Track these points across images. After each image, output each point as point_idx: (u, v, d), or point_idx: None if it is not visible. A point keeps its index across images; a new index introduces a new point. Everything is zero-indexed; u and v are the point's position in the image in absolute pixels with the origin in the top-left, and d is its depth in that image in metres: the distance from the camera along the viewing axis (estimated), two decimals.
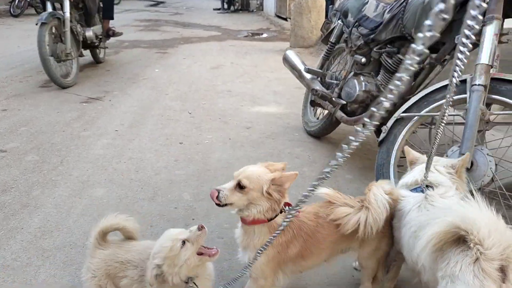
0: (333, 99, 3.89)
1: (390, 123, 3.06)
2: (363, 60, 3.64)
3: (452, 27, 3.05)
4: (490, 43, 2.60)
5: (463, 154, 2.53)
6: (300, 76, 4.44)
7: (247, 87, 6.89)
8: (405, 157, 3.22)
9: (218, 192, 1.92)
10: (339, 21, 4.20)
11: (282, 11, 15.65)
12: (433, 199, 1.99)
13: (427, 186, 2.06)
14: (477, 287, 1.50)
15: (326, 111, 4.30)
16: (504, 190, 2.69)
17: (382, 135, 3.09)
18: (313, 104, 4.45)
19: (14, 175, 3.69)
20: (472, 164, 2.59)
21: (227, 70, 8.15)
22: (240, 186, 1.92)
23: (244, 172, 1.95)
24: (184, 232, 1.89)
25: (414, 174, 2.18)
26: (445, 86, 2.89)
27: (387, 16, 3.53)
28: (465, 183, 2.17)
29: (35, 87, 6.53)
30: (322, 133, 4.57)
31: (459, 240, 1.62)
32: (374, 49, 3.60)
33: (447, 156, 2.85)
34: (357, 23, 3.78)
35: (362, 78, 3.62)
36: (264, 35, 12.91)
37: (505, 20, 2.83)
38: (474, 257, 1.53)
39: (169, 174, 3.80)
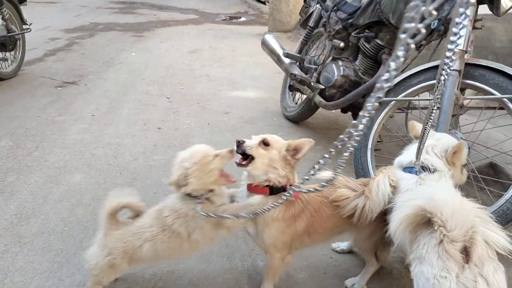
0: (312, 84, 3.91)
1: None
2: (342, 44, 3.66)
3: None
4: (465, 29, 2.65)
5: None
6: (278, 60, 4.44)
7: (225, 72, 6.85)
8: (381, 141, 3.31)
9: (243, 142, 1.94)
10: (318, 5, 4.20)
11: None
12: (423, 183, 2.00)
13: (422, 168, 2.04)
14: (440, 268, 1.55)
15: (304, 96, 4.32)
16: (476, 172, 2.77)
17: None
18: (292, 89, 4.46)
19: None
20: None
21: (205, 54, 8.06)
22: (264, 143, 1.96)
23: (269, 136, 2.01)
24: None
25: (411, 154, 2.13)
26: (422, 71, 2.95)
27: (365, 0, 3.55)
28: (462, 172, 2.16)
29: None
30: (301, 118, 4.60)
31: (429, 222, 1.66)
32: (353, 34, 3.62)
33: None
34: (335, 8, 3.79)
35: (340, 63, 3.64)
36: (242, 19, 12.79)
37: (479, 6, 2.89)
38: (439, 238, 1.58)
39: (147, 160, 3.77)
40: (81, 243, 2.61)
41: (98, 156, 3.78)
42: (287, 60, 4.35)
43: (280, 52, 4.42)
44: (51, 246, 2.60)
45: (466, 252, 1.54)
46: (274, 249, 2.08)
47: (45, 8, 12.82)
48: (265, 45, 4.69)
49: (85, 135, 4.22)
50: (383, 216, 2.14)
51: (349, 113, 4.04)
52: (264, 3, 14.67)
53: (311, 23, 4.31)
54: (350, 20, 3.61)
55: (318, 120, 4.75)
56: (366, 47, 3.52)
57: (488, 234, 1.59)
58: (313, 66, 4.15)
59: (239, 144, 1.94)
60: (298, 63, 4.40)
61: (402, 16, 3.12)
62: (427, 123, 1.86)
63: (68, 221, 2.83)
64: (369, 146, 3.08)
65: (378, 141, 3.19)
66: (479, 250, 1.53)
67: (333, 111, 4.37)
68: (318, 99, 3.87)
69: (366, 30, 3.52)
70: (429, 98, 2.95)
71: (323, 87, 3.77)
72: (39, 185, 3.25)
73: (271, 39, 4.67)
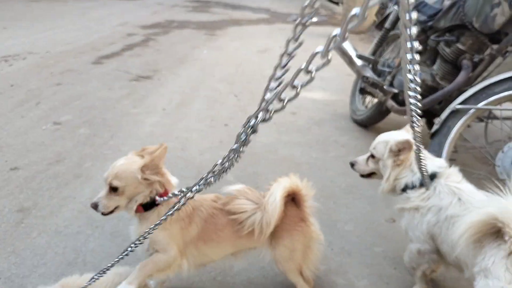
0: (385, 87, 3.78)
1: (444, 114, 2.94)
2: (419, 47, 3.51)
3: None
4: None
5: None
6: (350, 62, 4.34)
7: (294, 72, 6.80)
8: (457, 151, 3.13)
9: (97, 206, 1.86)
10: (395, 7, 4.06)
11: None
12: (462, 189, 1.97)
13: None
14: (508, 281, 1.47)
15: (375, 100, 4.19)
16: None
17: (435, 127, 2.98)
18: (362, 92, 4.35)
19: (67, 147, 3.85)
20: None
21: (275, 54, 8.08)
22: (113, 189, 1.84)
23: (112, 171, 1.84)
24: None
25: (417, 172, 2.07)
26: (506, 79, 2.75)
27: (447, 3, 3.39)
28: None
29: (88, 63, 6.74)
30: (370, 122, 4.47)
31: (497, 234, 1.58)
32: (432, 37, 3.46)
33: (502, 152, 2.73)
34: (415, 9, 3.64)
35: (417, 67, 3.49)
36: (314, 19, 12.68)
37: None
38: (508, 250, 1.50)
39: (213, 155, 3.84)
40: None
41: (168, 149, 3.89)
42: (359, 62, 4.24)
43: (353, 53, 4.32)
44: (120, 231, 2.72)
45: None
46: (168, 245, 1.92)
47: (125, 5, 13.49)
48: (338, 48, 4.60)
49: (156, 127, 4.38)
50: (302, 230, 2.05)
51: (424, 120, 3.86)
52: (337, 3, 14.46)
53: (387, 24, 4.17)
54: (429, 23, 3.45)
55: (387, 125, 4.59)
56: (446, 52, 3.34)
57: None
58: (387, 69, 4.01)
59: (95, 209, 1.88)
60: (371, 65, 4.28)
61: (487, 20, 2.96)
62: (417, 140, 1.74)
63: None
64: (444, 155, 2.92)
65: (453, 151, 3.02)
66: None
67: (405, 117, 4.20)
68: (390, 103, 3.74)
69: (447, 34, 3.35)
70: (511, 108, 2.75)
71: (397, 91, 3.64)
72: None
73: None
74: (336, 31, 0.92)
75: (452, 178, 2.04)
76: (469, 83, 3.24)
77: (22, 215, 2.87)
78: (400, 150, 2.11)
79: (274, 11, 14.17)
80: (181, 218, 1.93)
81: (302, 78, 1.02)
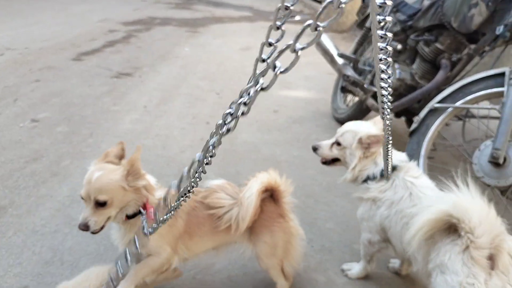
0: (365, 86, 3.81)
1: (423, 113, 2.98)
2: (399, 47, 3.56)
3: (494, 18, 2.95)
4: None
5: (497, 150, 2.47)
6: (332, 61, 4.36)
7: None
8: (435, 149, 3.18)
9: (87, 226, 1.73)
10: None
11: None
12: (416, 184, 2.01)
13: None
14: (465, 274, 1.51)
15: (356, 98, 4.22)
16: None
17: (414, 125, 3.02)
18: (344, 90, 4.38)
19: (45, 144, 3.78)
20: (505, 160, 2.51)
21: (257, 52, 8.06)
22: (100, 204, 1.73)
23: (93, 186, 1.70)
24: None
25: (380, 164, 2.13)
26: (483, 79, 2.80)
27: (426, 2, 3.44)
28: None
29: (68, 60, 6.63)
30: (351, 121, 4.49)
31: (449, 230, 1.63)
32: (411, 37, 3.50)
33: (479, 150, 2.77)
34: (394, 9, 3.68)
35: (396, 66, 3.53)
36: (297, 18, 12.71)
37: None
38: (464, 245, 1.54)
39: (194, 153, 3.77)
40: None
41: (148, 146, 3.87)
42: (340, 61, 4.27)
43: (334, 52, 4.34)
44: None
45: (491, 259, 1.52)
46: (161, 249, 1.90)
47: (107, 1, 13.29)
48: (319, 44, 4.62)
49: (136, 125, 4.34)
50: (281, 225, 2.06)
51: (403, 118, 3.91)
52: (320, 2, 14.53)
53: (368, 23, 4.20)
54: (409, 23, 3.50)
55: None
56: (425, 51, 3.39)
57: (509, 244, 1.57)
58: (368, 68, 4.05)
59: (87, 230, 1.74)
60: (352, 64, 4.31)
61: (465, 20, 3.01)
62: (388, 133, 1.77)
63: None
64: (422, 153, 2.96)
65: (432, 149, 3.06)
66: (505, 258, 1.52)
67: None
68: (370, 102, 3.77)
69: (426, 33, 3.40)
70: (489, 106, 2.80)
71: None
72: None
73: (325, 39, 4.59)
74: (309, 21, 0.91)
75: (411, 173, 2.09)
76: (447, 82, 3.29)
77: None
78: (370, 143, 2.13)
79: (257, 9, 14.15)
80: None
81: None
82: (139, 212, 1.84)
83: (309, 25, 0.91)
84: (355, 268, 2.42)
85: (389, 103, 1.48)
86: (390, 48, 1.25)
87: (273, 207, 2.06)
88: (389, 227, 2.06)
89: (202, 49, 8.06)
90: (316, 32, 0.90)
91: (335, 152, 2.33)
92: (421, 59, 3.45)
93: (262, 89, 1.02)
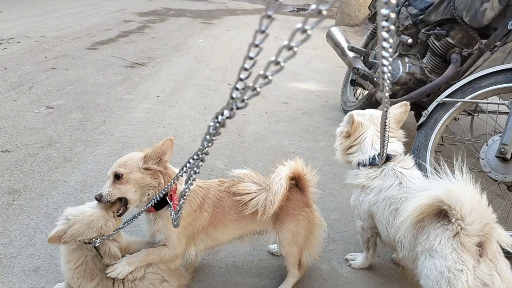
0: (375, 79, 3.82)
1: (431, 107, 2.98)
2: (410, 41, 3.54)
3: (506, 12, 2.93)
4: None
5: (505, 145, 2.47)
6: (342, 53, 4.37)
7: (287, 63, 6.81)
8: (443, 143, 3.18)
9: (101, 196, 1.84)
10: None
11: None
12: (405, 174, 2.04)
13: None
14: (454, 260, 1.55)
15: (366, 92, 4.23)
16: None
17: (422, 119, 3.02)
18: (354, 83, 4.38)
19: (59, 131, 3.87)
20: None
21: (269, 44, 7.98)
22: (117, 177, 1.84)
23: (117, 163, 1.88)
24: None
25: (368, 151, 2.16)
26: (493, 73, 2.79)
27: None
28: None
29: (83, 48, 6.73)
30: None
31: (439, 214, 1.67)
32: (422, 31, 3.49)
33: (487, 145, 2.78)
34: (406, 2, 3.67)
35: (407, 59, 3.53)
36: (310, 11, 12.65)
37: None
38: (455, 231, 1.58)
39: None
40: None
41: (159, 135, 3.94)
42: (351, 54, 4.27)
43: (345, 45, 4.35)
44: None
45: (480, 246, 1.56)
46: (178, 244, 1.97)
47: None
48: (330, 37, 4.63)
49: (149, 114, 4.41)
50: (305, 214, 2.10)
51: (412, 112, 3.91)
52: None
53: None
54: (420, 16, 3.48)
55: None
56: (436, 45, 3.38)
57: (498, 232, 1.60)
58: (377, 61, 4.05)
59: (100, 200, 1.84)
60: (362, 57, 4.31)
61: (477, 14, 3.00)
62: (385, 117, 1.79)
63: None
64: (429, 147, 2.97)
65: (439, 143, 3.07)
66: (493, 246, 1.56)
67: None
68: (380, 95, 3.78)
69: (437, 28, 3.39)
70: (498, 101, 2.80)
71: None
72: (104, 157, 3.46)
73: (336, 32, 4.60)
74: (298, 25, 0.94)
75: (402, 164, 2.11)
76: (457, 76, 3.28)
77: (13, 196, 2.90)
78: (348, 122, 2.20)
79: (271, 1, 14.09)
80: (193, 210, 1.97)
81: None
82: (166, 203, 1.91)
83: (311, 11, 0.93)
84: (359, 258, 2.46)
85: (387, 86, 1.51)
86: (392, 27, 1.27)
87: (299, 196, 2.11)
88: (375, 213, 2.09)
89: (215, 40, 8.10)
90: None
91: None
92: (432, 53, 3.45)
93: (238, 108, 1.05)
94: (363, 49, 4.33)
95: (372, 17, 4.50)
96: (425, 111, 3.04)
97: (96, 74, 5.53)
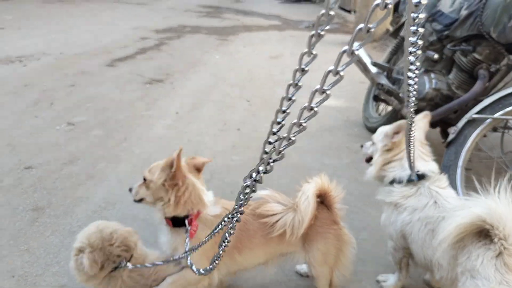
0: (400, 95, 3.76)
1: (461, 124, 2.92)
2: (436, 56, 3.50)
3: None
4: None
5: None
6: (365, 69, 4.32)
7: (305, 79, 6.76)
8: (471, 160, 3.10)
9: (131, 190, 1.98)
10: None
11: (346, 3, 15.31)
12: (441, 193, 1.98)
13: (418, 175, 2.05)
14: (498, 281, 1.48)
15: (389, 108, 4.18)
16: None
17: (451, 136, 2.96)
18: (376, 99, 4.33)
19: (81, 147, 3.87)
20: None
21: (286, 60, 8.09)
22: (144, 179, 1.91)
23: (150, 166, 1.93)
24: None
25: (405, 169, 2.10)
26: None
27: (464, 12, 3.37)
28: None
29: (102, 65, 6.80)
30: None
31: (480, 233, 1.60)
32: (448, 46, 3.44)
33: None
34: (431, 18, 3.63)
35: (432, 75, 3.48)
36: (326, 27, 12.68)
37: None
38: (497, 251, 1.52)
39: (226, 159, 3.84)
40: None
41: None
42: (374, 69, 4.23)
43: (367, 60, 4.31)
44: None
45: None
46: (199, 265, 1.87)
47: (137, 9, 13.60)
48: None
49: (169, 130, 4.40)
50: (335, 233, 2.04)
51: (438, 129, 3.84)
52: (349, 11, 14.48)
53: (402, 32, 4.16)
54: (446, 32, 3.44)
55: None
56: (462, 61, 3.33)
57: None
58: (402, 77, 4.00)
59: (131, 193, 2.00)
60: (385, 73, 4.27)
61: (505, 30, 2.94)
62: (410, 134, 1.74)
63: (149, 210, 2.93)
64: (460, 164, 2.90)
65: (468, 160, 3.00)
66: None
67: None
68: (406, 111, 3.72)
69: (463, 43, 3.34)
70: None
71: None
72: (126, 174, 3.44)
73: (355, 45, 4.56)
74: (345, 47, 0.91)
75: (438, 183, 2.05)
76: (485, 93, 3.22)
77: (37, 214, 2.88)
78: (395, 133, 2.13)
79: (285, 17, 14.20)
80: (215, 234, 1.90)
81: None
82: (184, 224, 1.86)
83: (345, 50, 0.91)
84: (390, 280, 2.38)
85: (412, 104, 1.48)
86: (419, 52, 1.25)
87: (326, 214, 2.05)
88: (410, 233, 2.03)
89: (232, 57, 8.13)
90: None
91: (370, 151, 2.34)
92: (458, 69, 3.39)
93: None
94: (386, 65, 4.29)
95: (394, 33, 4.47)
96: (454, 127, 2.98)
97: (115, 90, 5.56)
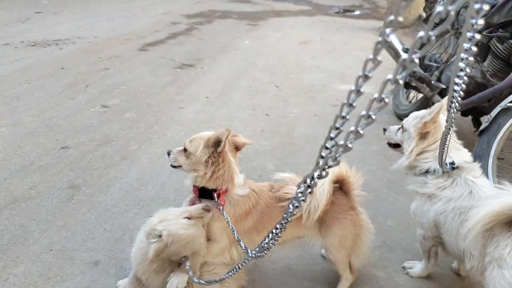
0: (432, 82, 3.70)
1: (494, 112, 2.86)
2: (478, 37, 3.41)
3: None
4: None
5: None
6: (396, 55, 4.25)
7: (336, 64, 6.76)
8: (503, 150, 3.04)
9: (169, 153, 2.03)
10: (445, 1, 3.96)
11: None
12: (476, 183, 1.96)
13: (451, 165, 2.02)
14: None
15: (420, 95, 4.11)
16: None
17: (484, 125, 2.91)
18: (407, 86, 4.27)
19: (114, 129, 3.99)
20: None
21: (316, 45, 8.03)
22: (184, 149, 1.96)
23: (192, 137, 1.97)
24: None
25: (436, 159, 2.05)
26: None
27: None
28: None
29: (134, 50, 6.92)
30: None
31: (510, 223, 1.60)
32: (484, 33, 3.35)
33: None
34: (466, 4, 3.54)
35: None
36: (357, 12, 12.49)
37: None
38: None
39: (254, 144, 3.88)
40: None
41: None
42: (405, 56, 4.15)
43: (399, 47, 4.24)
44: None
45: None
46: (219, 240, 1.99)
47: None
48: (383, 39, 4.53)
49: (199, 115, 4.47)
50: (351, 218, 2.04)
51: (469, 117, 3.76)
52: None
53: (436, 19, 4.07)
54: None
55: None
56: (498, 48, 3.24)
57: None
58: (434, 64, 3.93)
59: (168, 157, 2.06)
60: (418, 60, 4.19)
61: None
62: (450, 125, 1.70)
63: (180, 191, 3.03)
64: (492, 153, 2.85)
65: (500, 150, 2.94)
66: None
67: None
68: (437, 99, 3.67)
69: (500, 30, 3.24)
70: None
71: (444, 86, 3.56)
72: (157, 156, 3.53)
73: (388, 32, 4.49)
74: (389, 76, 0.88)
75: (472, 173, 2.02)
76: None
77: (73, 191, 3.01)
78: (426, 122, 2.08)
79: (316, 3, 14.02)
80: (238, 215, 1.97)
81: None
82: (211, 197, 1.92)
83: (389, 79, 0.89)
84: (417, 267, 2.39)
85: (459, 98, 1.47)
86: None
87: (344, 200, 2.07)
88: (443, 223, 2.01)
89: (262, 42, 8.12)
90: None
91: (398, 137, 2.30)
92: (494, 56, 3.31)
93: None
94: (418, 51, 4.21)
95: (427, 19, 4.37)
96: (488, 116, 2.92)
97: (147, 75, 5.67)
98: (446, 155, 1.90)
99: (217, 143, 1.86)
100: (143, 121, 4.21)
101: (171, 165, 2.06)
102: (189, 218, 1.81)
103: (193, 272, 1.84)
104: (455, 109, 1.61)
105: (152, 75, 5.66)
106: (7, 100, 4.54)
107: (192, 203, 1.97)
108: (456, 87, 1.52)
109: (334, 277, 2.30)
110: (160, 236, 1.73)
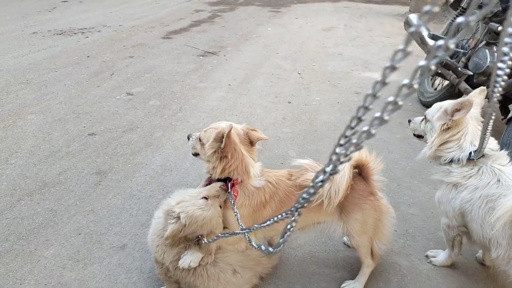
0: (459, 68, 3.63)
1: None
2: (500, 28, 3.32)
3: None
4: None
5: None
6: (422, 42, 4.18)
7: (359, 51, 6.68)
8: None
9: (189, 138, 2.06)
10: None
11: None
12: (504, 171, 1.92)
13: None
14: None
15: (446, 82, 4.04)
16: None
17: None
18: (433, 73, 4.19)
19: (139, 116, 4.06)
20: None
21: (340, 32, 7.94)
22: (200, 138, 1.98)
23: (208, 127, 1.97)
24: None
25: (468, 148, 2.02)
26: None
27: None
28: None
29: (158, 37, 6.98)
30: None
31: None
32: None
33: None
34: None
35: (495, 48, 3.32)
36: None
37: None
38: None
39: (276, 131, 3.90)
40: None
41: (232, 122, 4.00)
42: (431, 42, 4.08)
43: (425, 33, 4.16)
44: None
45: None
46: (236, 225, 1.93)
47: None
48: (408, 25, 4.45)
49: (222, 102, 4.50)
50: (372, 203, 2.02)
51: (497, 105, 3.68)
52: None
53: (464, 3, 3.97)
54: None
55: None
56: None
57: None
58: (461, 51, 3.84)
59: (188, 140, 2.09)
60: None
61: None
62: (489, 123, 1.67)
63: (203, 178, 3.07)
64: None
65: None
66: None
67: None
68: (463, 86, 3.59)
69: None
70: None
71: (471, 73, 3.48)
72: (181, 142, 3.58)
73: (415, 19, 4.41)
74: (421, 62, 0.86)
75: (499, 161, 1.98)
76: None
77: (100, 177, 3.09)
78: (457, 110, 2.03)
79: None
80: (254, 204, 1.97)
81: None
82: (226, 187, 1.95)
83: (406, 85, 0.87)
84: (440, 256, 2.37)
85: (502, 82, 1.44)
86: None
87: (364, 185, 2.07)
88: (469, 211, 1.98)
89: (284, 29, 8.07)
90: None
91: (422, 128, 2.28)
92: None
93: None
94: (445, 37, 4.12)
95: (454, 4, 4.27)
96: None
97: (171, 62, 5.72)
98: (487, 142, 1.88)
99: (221, 138, 1.86)
100: (167, 108, 4.27)
101: (192, 154, 2.10)
102: (206, 198, 1.84)
103: (209, 254, 1.88)
104: (498, 94, 1.58)
105: (176, 62, 5.72)
106: (35, 88, 4.66)
107: (209, 182, 2.00)
108: (499, 72, 1.48)
109: (356, 265, 2.31)
110: (178, 217, 1.77)
